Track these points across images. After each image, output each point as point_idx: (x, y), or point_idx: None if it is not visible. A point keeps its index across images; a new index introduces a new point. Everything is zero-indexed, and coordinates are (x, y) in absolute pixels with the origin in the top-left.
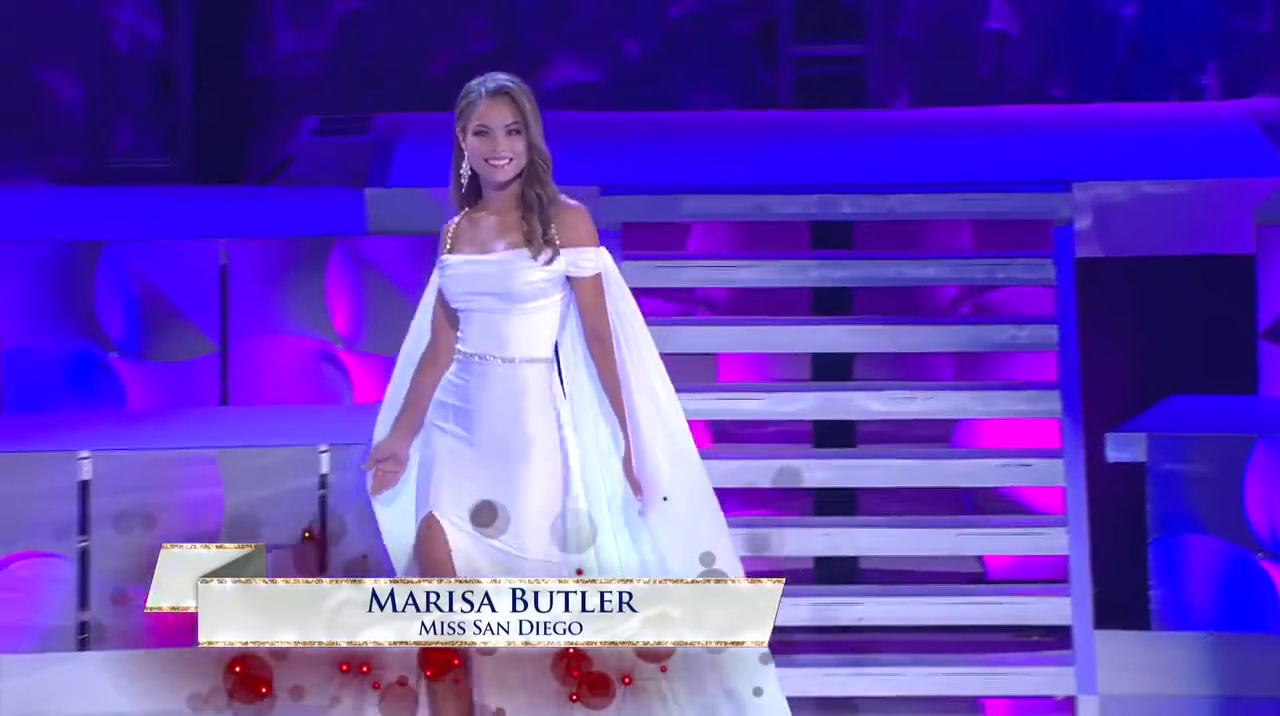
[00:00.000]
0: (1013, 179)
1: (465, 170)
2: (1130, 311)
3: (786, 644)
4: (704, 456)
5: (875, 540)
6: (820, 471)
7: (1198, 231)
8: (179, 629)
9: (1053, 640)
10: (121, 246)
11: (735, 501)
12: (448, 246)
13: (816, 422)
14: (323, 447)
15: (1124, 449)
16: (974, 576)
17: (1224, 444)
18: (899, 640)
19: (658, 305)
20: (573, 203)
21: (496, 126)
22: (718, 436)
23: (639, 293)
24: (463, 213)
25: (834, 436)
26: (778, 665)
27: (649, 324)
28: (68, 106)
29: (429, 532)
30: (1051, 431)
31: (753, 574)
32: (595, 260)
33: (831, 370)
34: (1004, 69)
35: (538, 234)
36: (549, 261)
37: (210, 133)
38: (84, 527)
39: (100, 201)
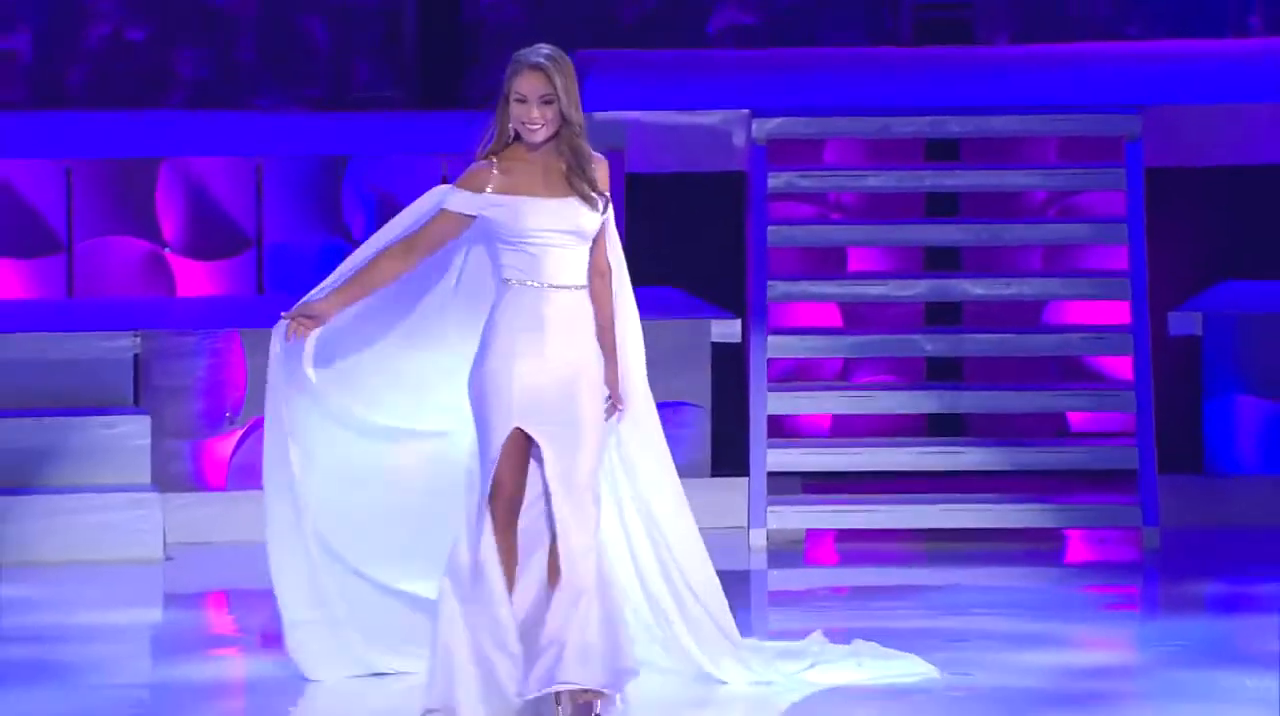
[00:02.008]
0: (1093, 102)
1: (510, 128)
2: (1188, 212)
3: (905, 485)
4: (835, 334)
5: (977, 401)
6: (932, 344)
7: (1245, 145)
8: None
9: (1123, 482)
10: (362, 161)
11: (864, 370)
12: (488, 187)
13: (928, 304)
14: None
15: (1183, 325)
16: (1059, 431)
17: (1267, 320)
18: (997, 482)
19: (798, 208)
20: (598, 155)
21: (532, 96)
22: (847, 317)
23: (783, 197)
24: (490, 160)
25: (943, 316)
26: (898, 503)
27: (792, 225)
28: (318, 47)
29: (515, 446)
30: (1123, 311)
31: (875, 432)
32: (609, 206)
33: (942, 261)
34: (1087, 12)
35: (593, 186)
36: (604, 209)
37: (432, 68)
38: None
39: (344, 124)
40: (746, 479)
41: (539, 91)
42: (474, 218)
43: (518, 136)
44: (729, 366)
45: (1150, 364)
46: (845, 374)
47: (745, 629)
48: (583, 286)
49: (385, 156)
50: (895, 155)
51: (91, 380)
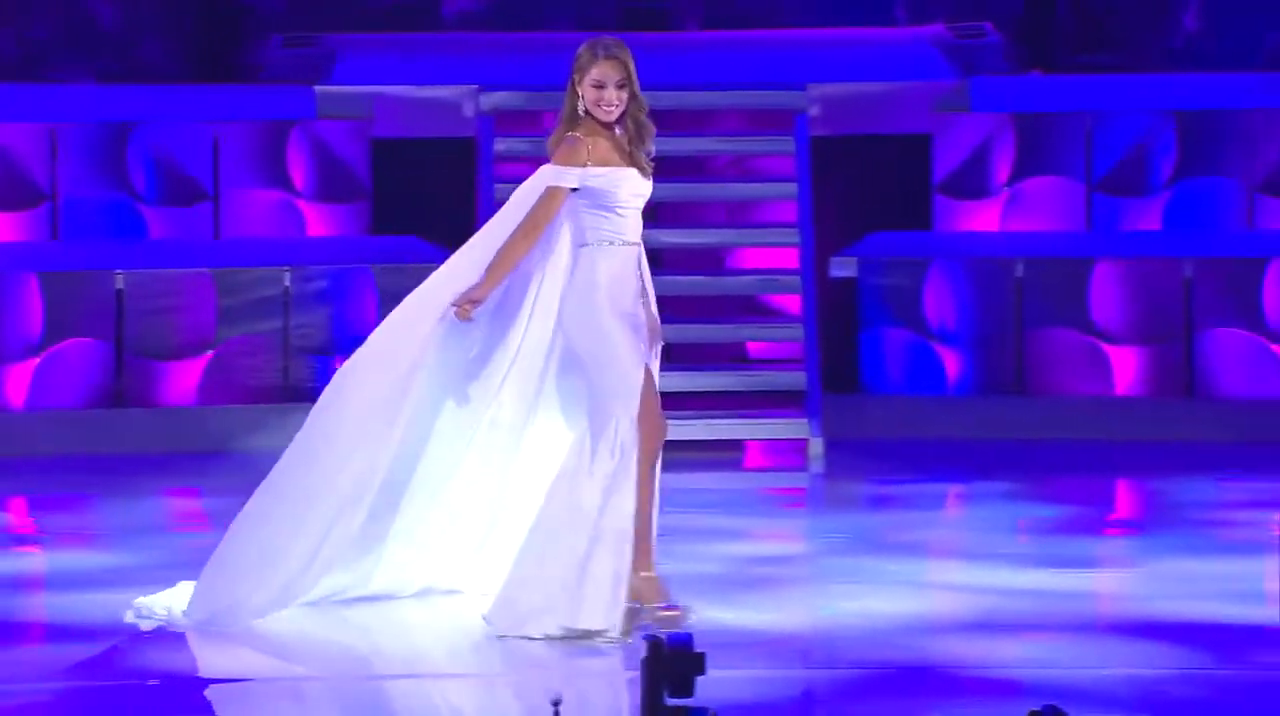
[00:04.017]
0: (768, 80)
1: (582, 106)
2: (846, 174)
3: None
4: None
5: (674, 333)
6: None
7: (893, 118)
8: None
9: (792, 401)
10: (145, 127)
11: None
12: (587, 161)
13: None
14: (285, 268)
15: (842, 269)
16: (740, 358)
17: (910, 264)
18: (691, 402)
19: (520, 169)
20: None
21: (610, 82)
22: None
23: (507, 160)
24: (583, 134)
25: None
26: None
27: (515, 184)
28: (107, 26)
29: (650, 383)
30: (792, 257)
31: None
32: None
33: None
34: (764, 3)
35: (648, 158)
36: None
37: (208, 45)
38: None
39: (129, 95)
40: None
41: (615, 78)
42: (577, 189)
43: (586, 113)
44: None
45: (815, 301)
46: None
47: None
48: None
49: (166, 123)
50: None
51: None
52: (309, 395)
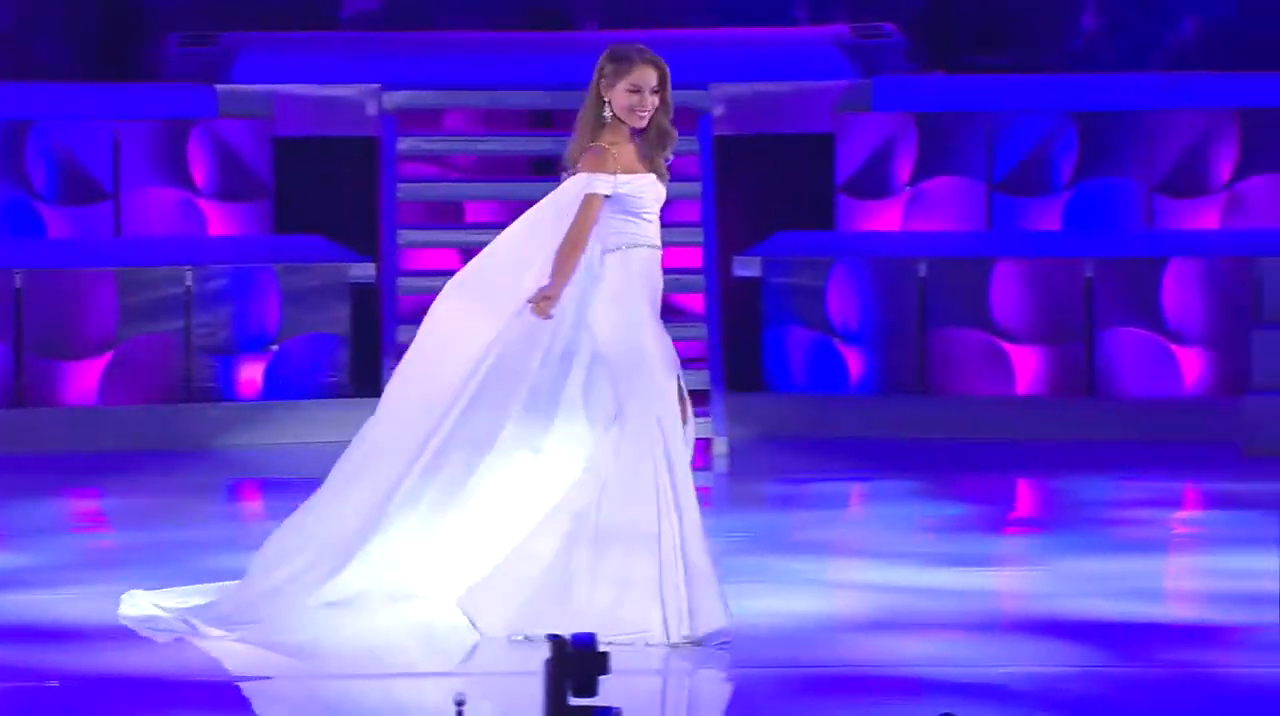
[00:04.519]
0: (671, 81)
1: (608, 112)
2: (750, 174)
3: None
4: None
5: None
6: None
7: (796, 118)
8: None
9: (697, 400)
10: (44, 125)
11: None
12: (615, 169)
13: None
14: (187, 267)
15: (746, 268)
16: None
17: (813, 264)
18: None
19: (423, 168)
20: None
21: (646, 87)
22: (465, 259)
23: (410, 159)
24: (608, 143)
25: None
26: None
27: (418, 183)
28: (3, 26)
29: (680, 389)
30: (696, 256)
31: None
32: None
33: None
34: (664, 2)
35: (665, 163)
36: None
37: (107, 43)
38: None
39: (28, 93)
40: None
41: (651, 83)
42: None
43: (612, 118)
44: (365, 303)
45: (719, 301)
46: None
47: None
48: None
49: (65, 121)
50: (505, 123)
51: None
52: (211, 395)
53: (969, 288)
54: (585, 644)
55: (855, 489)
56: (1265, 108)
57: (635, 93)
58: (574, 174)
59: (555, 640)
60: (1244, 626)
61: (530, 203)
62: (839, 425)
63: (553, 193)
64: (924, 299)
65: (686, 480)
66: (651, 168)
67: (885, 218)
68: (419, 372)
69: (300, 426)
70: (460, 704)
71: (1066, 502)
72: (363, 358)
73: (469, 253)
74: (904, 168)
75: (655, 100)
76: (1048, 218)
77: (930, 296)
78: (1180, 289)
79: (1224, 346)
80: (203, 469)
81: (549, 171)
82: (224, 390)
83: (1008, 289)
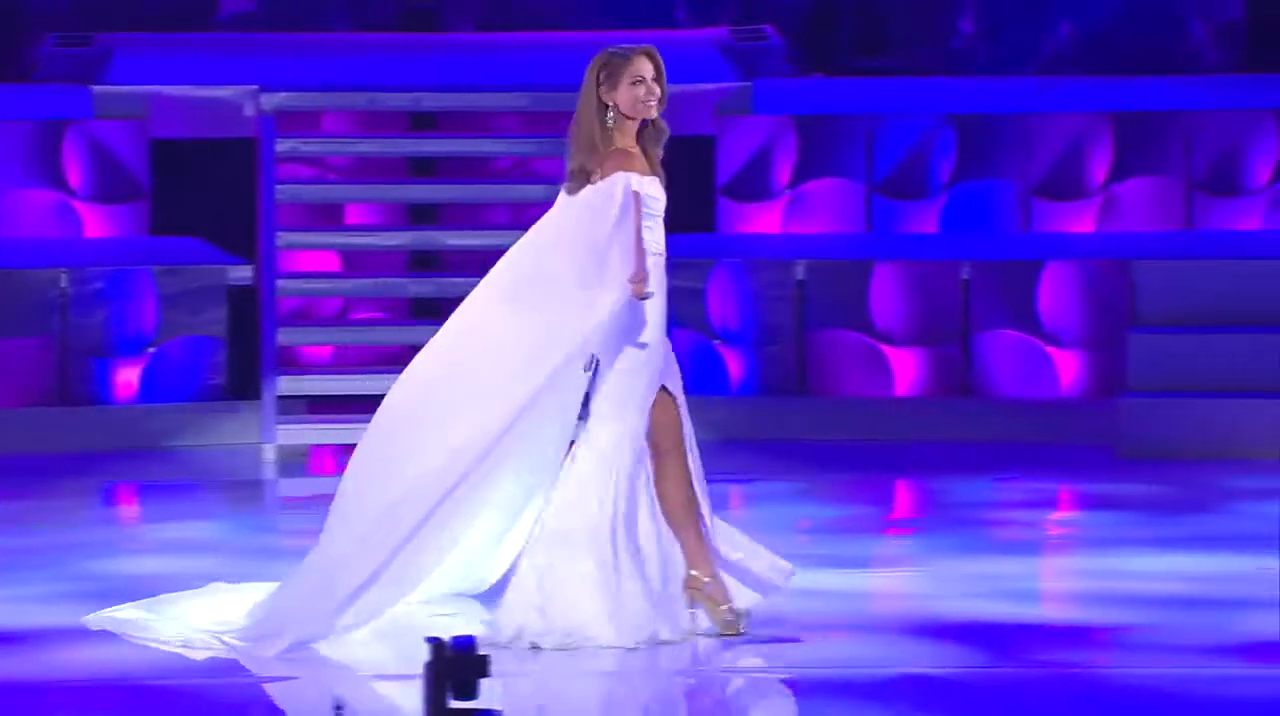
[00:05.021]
0: (545, 82)
1: (612, 115)
2: None
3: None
4: (334, 278)
5: None
6: (417, 287)
7: (676, 120)
8: None
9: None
10: None
11: (360, 308)
12: (640, 174)
13: (413, 253)
14: (62, 270)
15: None
16: None
17: (693, 266)
18: None
19: (301, 170)
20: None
21: (648, 75)
22: (344, 263)
23: (288, 160)
24: (626, 148)
25: (426, 263)
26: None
27: (296, 184)
28: None
29: (669, 401)
30: None
31: (370, 362)
32: None
33: (424, 216)
34: (537, 5)
35: (661, 163)
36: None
37: None
38: None
39: None
40: (259, 402)
41: (651, 71)
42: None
43: (615, 123)
44: (243, 305)
45: None
46: (344, 312)
47: (273, 530)
48: None
49: None
50: (382, 125)
51: None
52: (85, 398)
53: (848, 290)
54: (465, 646)
55: (734, 490)
56: (1139, 111)
57: (640, 83)
58: (583, 185)
59: (434, 642)
60: (1119, 626)
61: (409, 204)
62: (718, 427)
63: (564, 207)
64: (803, 301)
65: (643, 491)
66: (653, 170)
67: (765, 220)
68: (466, 378)
69: (178, 429)
70: (339, 709)
71: (944, 504)
72: (241, 360)
73: (348, 254)
74: (784, 170)
75: (659, 88)
76: (926, 220)
77: (809, 298)
78: (1056, 291)
79: (1099, 348)
80: (79, 472)
81: (427, 173)
82: (100, 393)
83: (886, 291)
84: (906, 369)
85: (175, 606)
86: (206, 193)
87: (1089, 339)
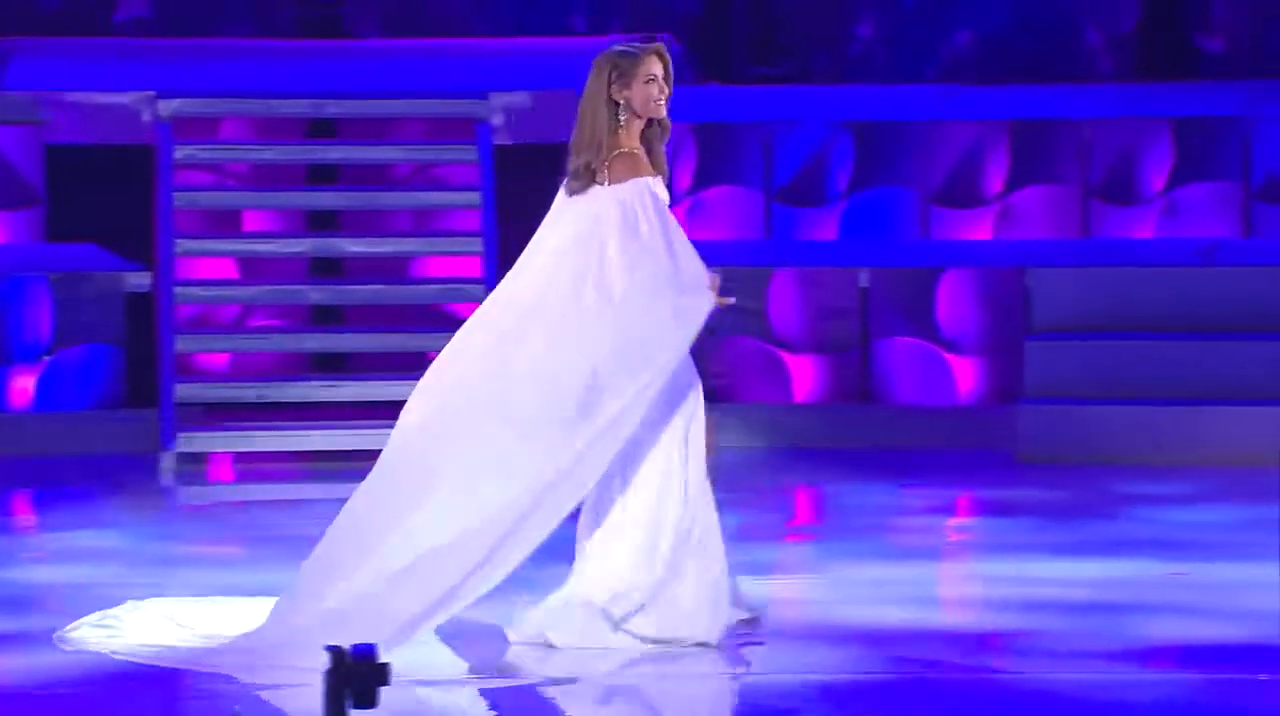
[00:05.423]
0: (449, 89)
1: (624, 114)
2: (530, 182)
3: (294, 414)
4: (233, 285)
5: (355, 342)
6: (317, 294)
7: (573, 129)
8: None
9: None
10: None
11: (258, 315)
12: (649, 175)
13: (313, 260)
14: None
15: None
16: (423, 366)
17: None
18: (373, 411)
19: (199, 177)
20: None
21: (659, 75)
22: (243, 270)
23: (186, 167)
24: (631, 148)
25: (327, 269)
26: (288, 429)
27: (194, 191)
28: None
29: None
30: (476, 265)
31: (268, 369)
32: None
33: (324, 223)
34: (441, 11)
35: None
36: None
37: None
38: None
39: None
40: (157, 409)
41: (662, 70)
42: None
43: (626, 122)
44: (141, 312)
45: None
46: (242, 319)
47: (173, 538)
48: None
49: None
50: (282, 132)
51: None
52: None
53: (747, 297)
54: (365, 654)
55: None
56: (1036, 120)
57: (652, 82)
58: (588, 185)
59: (334, 651)
60: (1018, 631)
61: (308, 211)
62: None
63: (581, 213)
64: None
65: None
66: (658, 168)
67: None
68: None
69: (75, 437)
70: None
71: (845, 510)
72: (138, 368)
73: (247, 262)
74: (683, 177)
75: (668, 87)
76: (825, 227)
77: None
78: (955, 298)
79: (997, 355)
80: None
81: (328, 179)
82: None
83: (786, 298)
84: (806, 375)
85: (140, 615)
86: (103, 199)
87: (987, 345)
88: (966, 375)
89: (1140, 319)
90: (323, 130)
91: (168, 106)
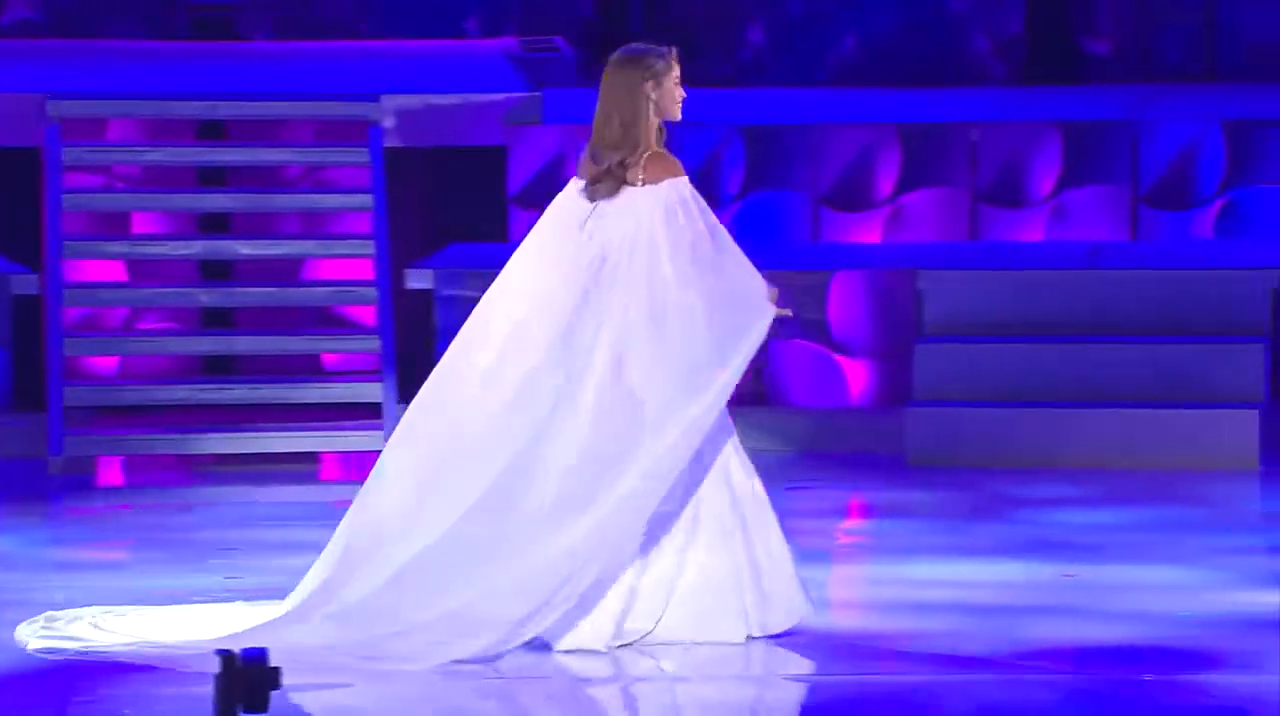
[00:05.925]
0: (340, 91)
1: (654, 113)
2: (422, 185)
3: (184, 417)
4: (122, 287)
5: (247, 345)
6: (208, 296)
7: (467, 129)
8: None
9: (368, 413)
10: None
11: (149, 318)
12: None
13: (204, 262)
14: None
15: (418, 280)
16: (315, 370)
17: (488, 276)
18: (264, 414)
19: (88, 179)
20: None
21: (681, 78)
22: (132, 272)
23: (75, 169)
24: (662, 151)
25: (217, 272)
26: (178, 433)
27: (83, 193)
28: None
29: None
30: (368, 268)
31: (159, 372)
32: None
33: (215, 225)
34: (333, 14)
35: None
36: None
37: None
38: None
39: None
40: (45, 413)
41: (680, 73)
42: None
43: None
44: (29, 316)
45: (392, 312)
46: (132, 322)
47: (61, 543)
48: None
49: None
50: (172, 134)
51: None
52: None
53: None
54: (256, 658)
55: None
56: (925, 123)
57: (679, 85)
58: (619, 186)
59: (224, 655)
60: (910, 633)
61: (198, 213)
62: None
63: (617, 218)
64: None
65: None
66: None
67: None
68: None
69: None
70: None
71: None
72: (26, 372)
73: (135, 264)
74: None
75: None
76: None
77: None
78: (845, 301)
79: (887, 358)
80: None
81: (218, 182)
82: None
83: None
84: None
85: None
86: None
87: (877, 348)
88: (858, 377)
89: (1029, 321)
90: (213, 132)
91: (56, 108)
